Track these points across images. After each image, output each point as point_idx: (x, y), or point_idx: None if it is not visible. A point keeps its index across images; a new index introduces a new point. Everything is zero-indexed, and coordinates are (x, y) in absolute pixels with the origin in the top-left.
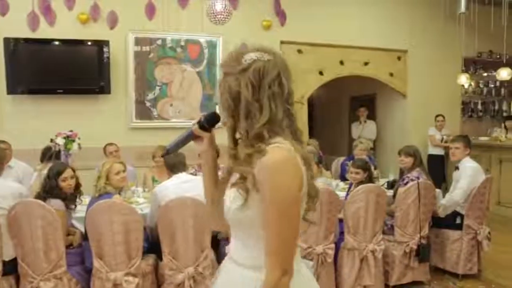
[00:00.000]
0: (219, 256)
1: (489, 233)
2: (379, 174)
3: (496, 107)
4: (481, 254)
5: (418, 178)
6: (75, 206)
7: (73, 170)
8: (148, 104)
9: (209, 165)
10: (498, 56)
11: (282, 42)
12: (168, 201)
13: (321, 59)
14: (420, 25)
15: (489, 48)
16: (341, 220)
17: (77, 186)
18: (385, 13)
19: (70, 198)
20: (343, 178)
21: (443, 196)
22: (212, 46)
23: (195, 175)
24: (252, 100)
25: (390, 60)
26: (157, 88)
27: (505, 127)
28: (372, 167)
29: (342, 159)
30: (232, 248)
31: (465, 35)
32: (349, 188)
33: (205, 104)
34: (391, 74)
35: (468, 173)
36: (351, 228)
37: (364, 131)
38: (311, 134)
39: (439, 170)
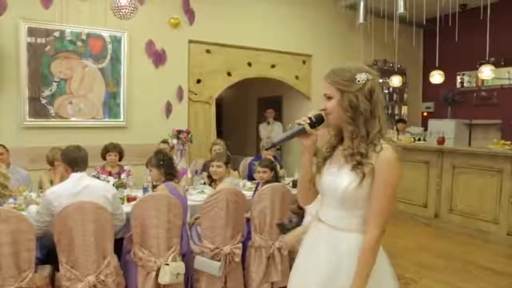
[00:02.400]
0: (123, 262)
1: None
2: (284, 173)
3: (390, 111)
4: None
5: None
6: None
7: None
8: (44, 101)
9: (311, 155)
10: (391, 65)
11: (190, 41)
12: (65, 207)
13: (230, 60)
14: (323, 33)
15: (384, 57)
16: (248, 220)
17: None
18: (291, 19)
19: None
20: (251, 178)
21: None
22: (116, 41)
23: (97, 177)
24: (369, 111)
25: (296, 64)
26: (55, 84)
27: (396, 129)
28: (278, 166)
29: (250, 159)
30: (332, 219)
31: (364, 44)
32: (256, 187)
33: (108, 102)
34: (297, 77)
35: None
36: (258, 226)
37: (272, 132)
38: (220, 135)
39: None
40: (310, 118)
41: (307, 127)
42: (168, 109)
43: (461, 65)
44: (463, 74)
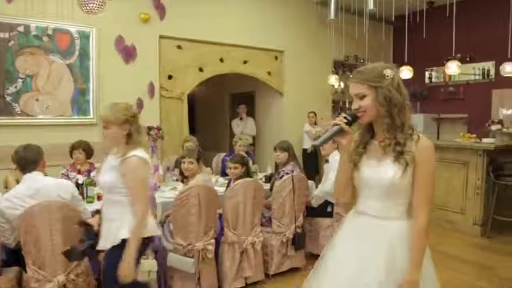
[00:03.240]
0: (93, 263)
1: None
2: (257, 168)
3: None
4: None
5: (292, 171)
6: None
7: None
8: (8, 98)
9: (347, 152)
10: (362, 60)
11: (161, 37)
12: (31, 206)
13: (201, 56)
14: (295, 29)
15: (355, 52)
16: (221, 216)
17: None
18: (263, 15)
19: None
20: (224, 174)
21: (316, 188)
22: (84, 37)
23: (67, 175)
24: (400, 102)
25: (268, 60)
26: (20, 80)
27: None
28: (250, 162)
29: (223, 155)
30: (372, 209)
31: (335, 40)
32: (229, 183)
33: (77, 99)
34: (269, 73)
35: (336, 165)
36: (231, 222)
37: (245, 128)
38: (192, 131)
39: (313, 164)
40: (345, 117)
41: (344, 126)
42: (139, 105)
43: (429, 61)
44: (431, 70)
